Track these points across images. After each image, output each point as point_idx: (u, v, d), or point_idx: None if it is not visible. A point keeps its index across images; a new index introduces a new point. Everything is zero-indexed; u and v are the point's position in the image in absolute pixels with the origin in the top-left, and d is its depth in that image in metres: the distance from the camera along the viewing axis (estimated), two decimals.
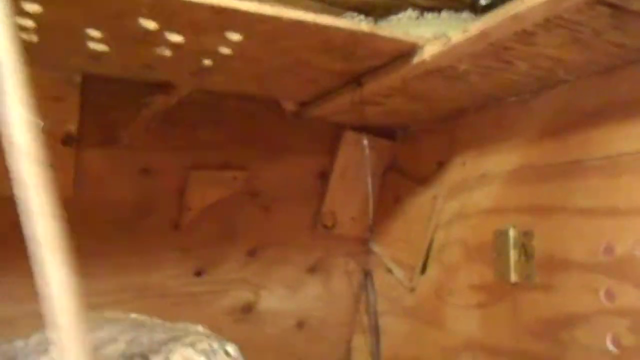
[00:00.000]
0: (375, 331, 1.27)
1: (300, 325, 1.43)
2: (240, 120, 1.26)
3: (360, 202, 1.40)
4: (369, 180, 1.39)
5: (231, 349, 0.75)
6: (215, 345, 0.75)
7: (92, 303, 1.17)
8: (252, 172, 1.29)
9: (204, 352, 0.74)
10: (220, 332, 1.38)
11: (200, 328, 0.81)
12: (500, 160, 1.10)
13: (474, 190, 1.16)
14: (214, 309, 1.31)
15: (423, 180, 1.31)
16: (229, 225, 1.30)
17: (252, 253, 1.35)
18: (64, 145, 1.06)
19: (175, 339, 0.76)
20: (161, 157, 1.19)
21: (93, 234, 1.15)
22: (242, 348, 1.38)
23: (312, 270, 1.43)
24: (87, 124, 1.09)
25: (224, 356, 0.74)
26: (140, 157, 1.17)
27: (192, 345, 0.75)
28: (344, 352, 1.48)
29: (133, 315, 0.87)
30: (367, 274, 1.27)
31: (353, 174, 1.38)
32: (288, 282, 1.40)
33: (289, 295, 1.41)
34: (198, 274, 1.29)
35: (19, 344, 0.81)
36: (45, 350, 0.78)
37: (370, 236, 1.44)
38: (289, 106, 1.22)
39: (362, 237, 1.44)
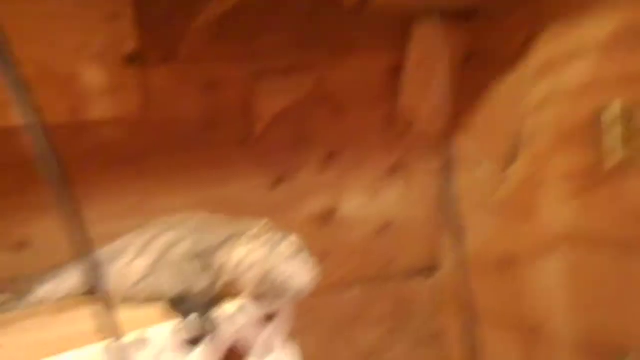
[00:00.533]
0: (458, 228, 1.21)
1: (384, 228, 1.40)
2: (300, 21, 1.17)
3: (440, 94, 1.29)
4: (448, 69, 1.28)
5: (295, 238, 0.74)
6: (278, 237, 0.75)
7: None
8: (320, 75, 1.22)
9: (268, 242, 0.74)
10: (303, 239, 1.39)
11: (265, 221, 0.80)
12: (598, 26, 0.95)
13: (567, 65, 1.02)
14: (295, 217, 1.31)
15: (507, 62, 1.18)
16: (302, 132, 1.26)
17: (328, 158, 1.31)
18: (127, 65, 1.05)
19: (239, 233, 0.76)
20: (225, 68, 1.15)
21: (166, 151, 1.16)
22: (326, 254, 1.39)
23: (392, 170, 1.37)
24: (147, 40, 1.06)
25: (289, 245, 0.74)
26: (203, 70, 1.13)
27: (255, 237, 0.75)
28: (431, 253, 1.45)
29: (201, 214, 0.88)
30: (444, 170, 1.19)
31: (429, 64, 1.27)
32: (368, 184, 1.36)
33: (370, 198, 1.37)
34: (275, 183, 1.28)
35: (103, 251, 0.84)
36: (121, 254, 0.81)
37: (452, 130, 1.34)
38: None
39: (444, 131, 1.35)
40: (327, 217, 1.35)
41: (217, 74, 1.14)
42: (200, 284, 0.75)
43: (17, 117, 0.99)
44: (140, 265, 0.77)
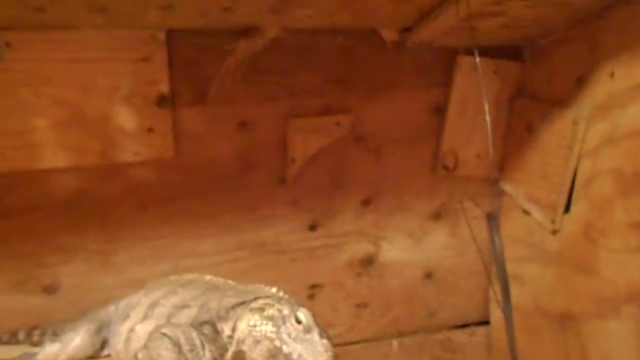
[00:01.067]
0: (503, 280, 1.11)
1: (428, 276, 1.32)
2: (337, 58, 1.14)
3: (486, 135, 1.21)
4: (494, 110, 1.20)
5: (303, 315, 0.66)
6: (286, 310, 0.68)
7: (209, 263, 1.17)
8: (357, 115, 1.17)
9: (271, 319, 0.67)
10: (342, 286, 1.33)
11: (274, 290, 0.75)
12: None
13: (628, 105, 0.93)
14: (333, 263, 1.25)
15: (560, 102, 1.09)
16: (339, 174, 1.21)
17: (367, 202, 1.25)
18: (159, 107, 1.04)
19: (244, 304, 0.71)
20: (258, 108, 1.12)
21: (199, 194, 1.13)
22: (365, 304, 1.32)
23: (435, 216, 1.29)
24: (178, 82, 1.05)
25: (294, 323, 0.66)
26: (236, 111, 1.11)
27: (260, 310, 0.69)
28: (480, 303, 1.34)
29: (208, 277, 0.84)
30: (490, 218, 1.10)
31: (474, 105, 1.20)
32: (410, 230, 1.28)
33: (412, 245, 1.29)
34: (312, 228, 1.22)
35: (112, 308, 0.82)
36: (128, 316, 0.77)
37: (499, 175, 1.26)
38: (389, 35, 1.08)
39: (490, 177, 1.26)
40: (366, 264, 1.28)
41: (249, 114, 1.12)
42: (202, 358, 0.69)
43: (46, 160, 1.00)
44: (144, 330, 0.73)
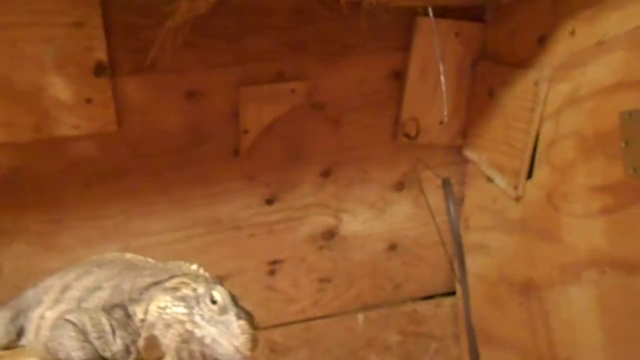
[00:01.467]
0: (459, 249, 1.08)
1: (392, 247, 1.28)
2: (290, 21, 1.07)
3: (447, 101, 1.17)
4: (456, 74, 1.16)
5: (219, 294, 0.60)
6: (201, 289, 0.61)
7: (161, 241, 1.11)
8: (313, 81, 1.12)
9: (183, 299, 0.61)
10: (304, 261, 1.29)
11: (194, 267, 0.68)
12: (625, 17, 0.82)
13: (589, 64, 0.90)
14: (293, 237, 1.21)
15: (521, 63, 1.05)
16: (296, 144, 1.16)
17: (326, 174, 1.20)
18: (97, 76, 0.96)
19: (158, 284, 0.64)
20: (206, 76, 1.05)
21: (148, 169, 1.07)
22: (331, 276, 1.28)
23: (398, 187, 1.25)
24: (117, 48, 0.98)
25: (209, 304, 0.60)
26: (183, 79, 1.04)
27: (173, 290, 0.62)
28: (445, 274, 1.32)
29: (128, 256, 0.77)
30: (445, 184, 1.06)
31: (435, 70, 1.15)
32: (372, 202, 1.24)
33: (375, 217, 1.25)
34: (269, 201, 1.17)
35: (30, 293, 0.76)
36: (40, 301, 0.72)
37: (462, 142, 1.22)
38: None
39: (453, 144, 1.22)
40: (328, 237, 1.24)
41: (198, 83, 1.05)
42: (113, 345, 0.63)
43: None
44: (53, 317, 0.67)
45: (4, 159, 0.98)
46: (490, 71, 1.13)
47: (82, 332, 0.61)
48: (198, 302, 0.60)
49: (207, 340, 0.58)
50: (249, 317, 0.59)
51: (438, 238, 1.29)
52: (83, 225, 1.05)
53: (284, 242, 1.20)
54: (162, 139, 1.06)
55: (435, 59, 1.12)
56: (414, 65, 1.15)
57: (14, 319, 0.73)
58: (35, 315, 0.71)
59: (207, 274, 0.66)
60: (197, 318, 0.59)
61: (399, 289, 1.31)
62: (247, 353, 0.57)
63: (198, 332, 0.59)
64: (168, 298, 0.61)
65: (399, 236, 1.28)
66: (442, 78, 0.91)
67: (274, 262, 1.20)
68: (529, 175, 1.04)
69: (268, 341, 1.19)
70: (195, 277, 0.64)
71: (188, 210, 1.12)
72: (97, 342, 0.62)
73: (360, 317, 1.28)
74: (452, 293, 1.33)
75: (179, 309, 0.60)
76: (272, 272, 1.20)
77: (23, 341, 0.72)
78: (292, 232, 1.20)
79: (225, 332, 0.58)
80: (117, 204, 1.07)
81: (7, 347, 0.73)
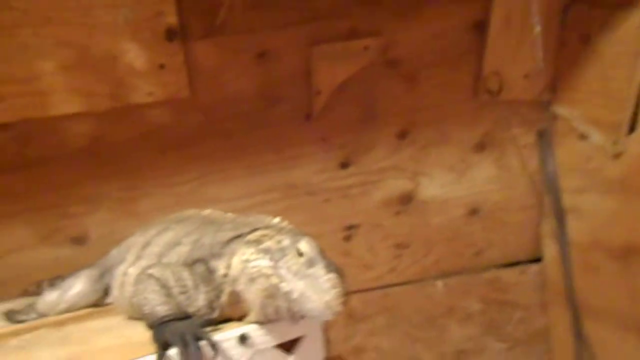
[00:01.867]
0: (558, 211, 0.99)
1: (473, 212, 1.22)
2: None
3: (534, 52, 1.07)
4: (544, 21, 1.06)
5: (306, 246, 0.57)
6: (286, 241, 0.58)
7: (236, 208, 1.10)
8: (387, 37, 1.06)
9: (268, 251, 0.58)
10: (380, 226, 1.25)
11: (276, 220, 0.65)
12: None
13: None
14: (369, 202, 1.17)
15: (622, 5, 0.94)
16: (370, 105, 1.11)
17: (402, 135, 1.15)
18: (168, 41, 0.95)
19: (240, 237, 0.62)
20: (276, 35, 1.02)
21: (220, 134, 1.06)
22: (408, 242, 1.24)
23: (479, 147, 1.18)
24: (187, 12, 0.96)
25: (295, 256, 0.56)
26: (253, 40, 1.02)
27: (256, 243, 0.59)
28: (531, 240, 1.24)
29: (207, 211, 0.75)
30: (542, 135, 0.97)
31: (520, 18, 1.06)
32: (451, 164, 1.18)
33: (454, 180, 1.19)
34: (344, 165, 1.14)
35: (114, 252, 0.76)
36: (124, 259, 0.72)
37: (551, 96, 1.12)
38: None
39: (540, 99, 1.13)
40: (405, 202, 1.19)
41: (268, 43, 1.02)
42: (195, 301, 0.61)
43: (56, 106, 0.94)
44: (133, 274, 0.66)
45: (84, 129, 1.00)
46: (585, 15, 1.02)
47: (165, 287, 0.60)
48: (283, 255, 0.57)
49: (294, 295, 0.55)
50: (338, 270, 0.56)
51: (523, 201, 1.21)
52: (160, 192, 1.06)
53: (360, 207, 1.17)
54: (233, 102, 1.05)
55: (520, 5, 1.03)
56: (497, 14, 1.06)
57: (100, 277, 0.74)
58: (118, 272, 0.71)
59: (291, 226, 0.63)
60: (283, 271, 0.56)
61: (480, 255, 1.24)
62: (338, 308, 0.54)
63: (284, 287, 0.56)
64: (251, 251, 0.59)
65: (480, 200, 1.21)
66: (536, 19, 0.82)
67: (350, 228, 1.17)
68: (631, 129, 0.94)
69: (345, 307, 1.16)
70: (280, 230, 0.61)
71: (262, 176, 1.11)
72: (180, 298, 0.60)
73: (439, 284, 1.23)
74: (538, 260, 1.25)
75: (263, 262, 0.57)
76: (347, 238, 1.17)
77: (110, 299, 0.73)
78: (367, 197, 1.16)
79: (314, 286, 0.55)
80: (191, 170, 1.07)
81: (95, 305, 0.74)
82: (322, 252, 0.57)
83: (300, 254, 0.56)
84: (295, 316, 0.57)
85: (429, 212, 1.20)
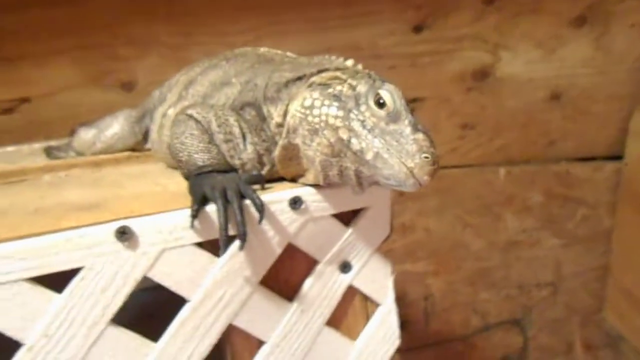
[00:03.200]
0: None
1: (555, 97, 1.09)
2: None
3: None
4: None
5: (388, 95, 0.43)
6: (362, 87, 0.44)
7: None
8: None
9: (338, 98, 0.44)
10: (447, 102, 1.13)
11: (349, 62, 0.51)
12: None
13: None
14: (439, 74, 1.05)
15: None
16: None
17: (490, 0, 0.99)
18: None
19: (302, 78, 0.48)
20: None
21: None
22: (475, 122, 1.13)
23: (579, 21, 1.01)
24: None
25: (372, 107, 0.43)
26: None
27: (322, 87, 0.45)
28: (614, 134, 1.11)
29: (262, 49, 0.61)
30: None
31: None
32: (541, 39, 1.03)
33: (541, 57, 1.05)
34: (417, 29, 1.01)
35: (156, 92, 0.68)
36: (164, 99, 0.64)
37: None
38: None
39: None
40: (479, 77, 1.06)
41: None
42: (242, 152, 0.50)
43: None
44: (172, 116, 0.56)
45: None
46: None
47: (207, 132, 0.49)
48: (358, 104, 0.44)
49: (368, 156, 0.43)
50: (427, 131, 0.43)
51: (614, 90, 1.07)
52: (212, 40, 0.98)
53: (428, 78, 1.05)
54: None
55: None
56: None
57: (140, 119, 0.67)
58: (158, 113, 0.62)
59: (371, 72, 0.48)
60: (356, 124, 0.43)
61: (553, 145, 1.13)
62: (425, 179, 0.41)
63: (355, 144, 0.43)
64: (316, 95, 0.45)
65: (566, 84, 1.07)
66: None
67: (414, 100, 1.07)
68: None
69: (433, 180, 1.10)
70: (355, 73, 0.47)
71: (324, 32, 0.99)
72: (224, 146, 0.50)
73: (502, 171, 1.14)
74: (616, 157, 1.13)
75: (331, 110, 0.44)
76: (410, 110, 1.08)
77: (149, 144, 0.67)
78: (438, 68, 1.04)
79: (395, 146, 0.42)
80: (247, 20, 0.96)
81: (133, 149, 0.68)
82: (409, 106, 0.44)
83: (381, 105, 0.44)
84: (364, 183, 0.46)
85: (504, 92, 1.08)
